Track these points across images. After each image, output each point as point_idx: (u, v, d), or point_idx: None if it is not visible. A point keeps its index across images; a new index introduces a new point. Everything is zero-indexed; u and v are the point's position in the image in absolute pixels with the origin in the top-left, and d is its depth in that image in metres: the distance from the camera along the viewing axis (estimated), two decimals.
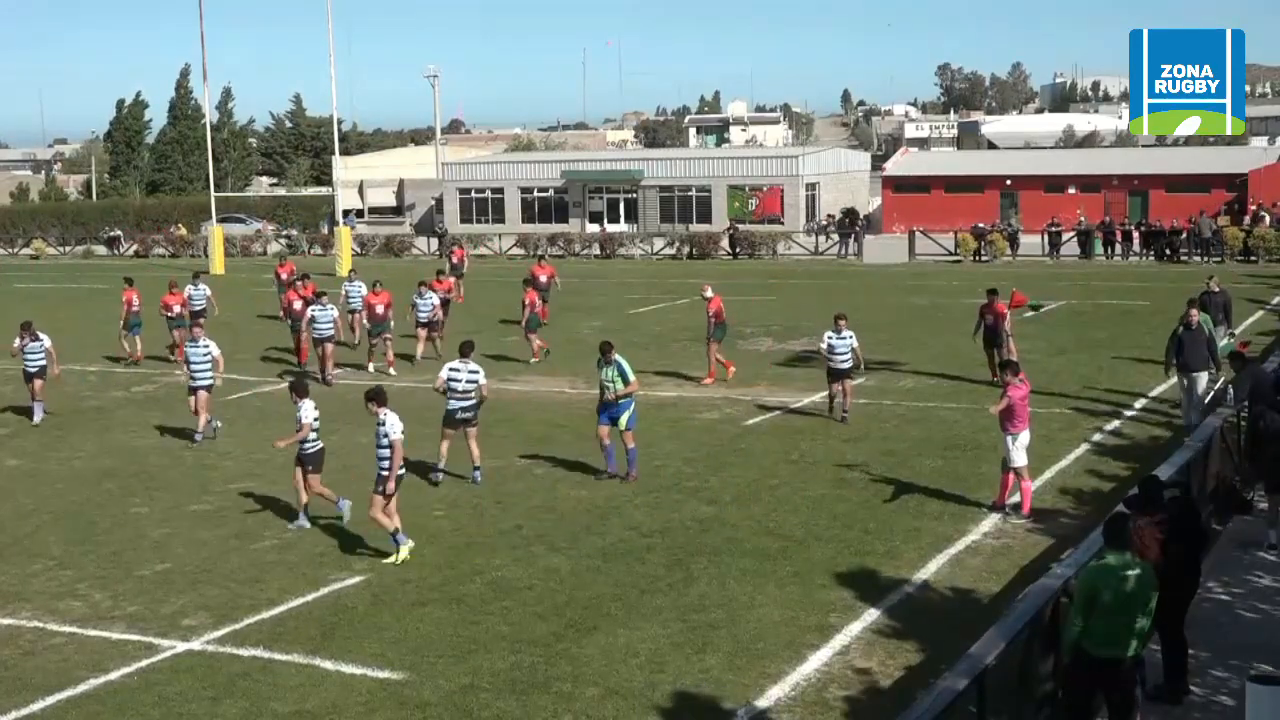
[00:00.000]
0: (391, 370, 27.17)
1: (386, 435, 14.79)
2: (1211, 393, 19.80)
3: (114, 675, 11.83)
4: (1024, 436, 16.10)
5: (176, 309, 29.64)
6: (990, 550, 14.86)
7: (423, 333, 28.85)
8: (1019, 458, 16.05)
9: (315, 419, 16.26)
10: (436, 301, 29.21)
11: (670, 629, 12.56)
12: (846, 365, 21.45)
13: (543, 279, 33.66)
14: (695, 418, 22.34)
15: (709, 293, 26.28)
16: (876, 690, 11.15)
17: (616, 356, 18.23)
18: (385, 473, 14.80)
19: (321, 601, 13.60)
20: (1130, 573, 9.14)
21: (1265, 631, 12.03)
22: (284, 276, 35.05)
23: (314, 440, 16.32)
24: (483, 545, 15.41)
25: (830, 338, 21.54)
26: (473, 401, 18.04)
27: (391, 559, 14.72)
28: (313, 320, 26.67)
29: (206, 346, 21.41)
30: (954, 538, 15.25)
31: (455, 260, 42.25)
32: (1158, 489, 11.34)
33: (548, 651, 12.07)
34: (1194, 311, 20.08)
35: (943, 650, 11.38)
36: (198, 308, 31.18)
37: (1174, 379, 20.76)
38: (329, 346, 26.68)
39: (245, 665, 11.98)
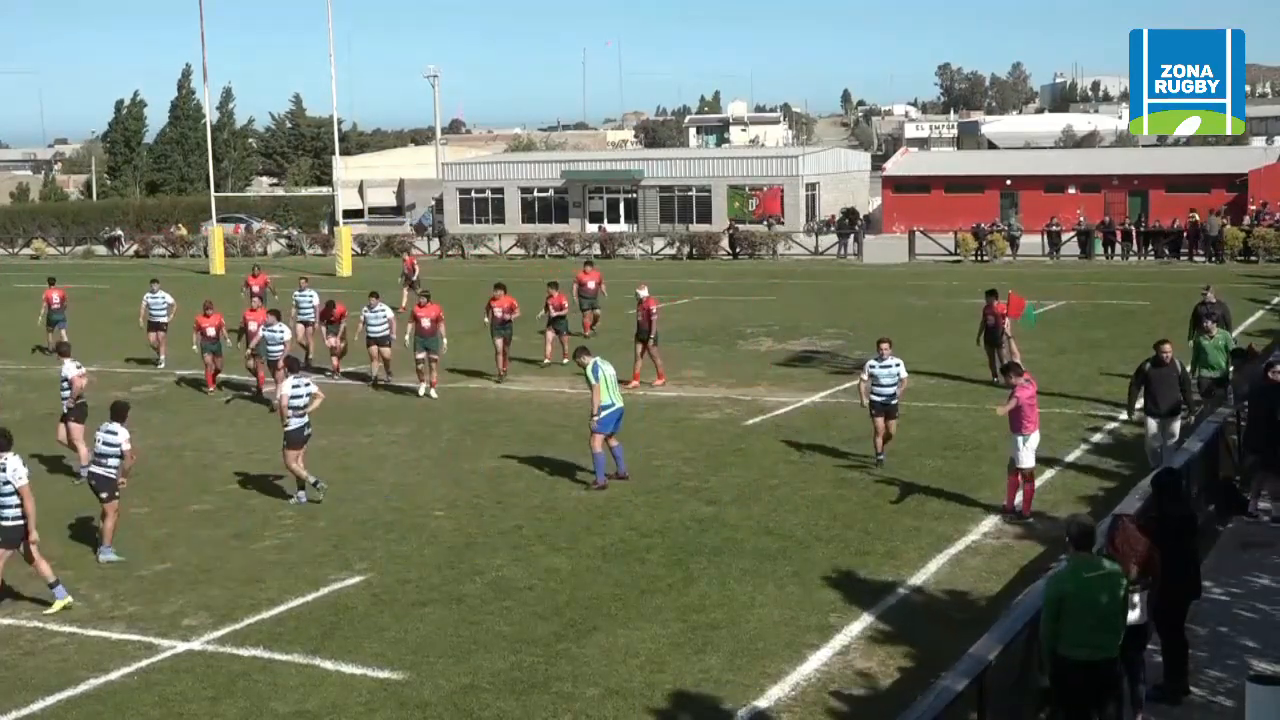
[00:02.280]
0: (433, 393, 24.51)
1: (8, 482, 13.47)
2: (1176, 436, 17.06)
3: (114, 675, 11.84)
4: (1034, 438, 15.99)
5: (211, 331, 25.89)
6: (990, 550, 14.86)
7: (374, 350, 25.96)
8: (1027, 459, 15.95)
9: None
10: (390, 315, 26.15)
11: (670, 629, 12.56)
12: (892, 400, 18.46)
13: (590, 285, 31.11)
14: (695, 418, 22.34)
15: (644, 292, 25.82)
16: (876, 690, 11.16)
17: (585, 359, 18.12)
18: (20, 522, 13.42)
19: (321, 601, 13.60)
20: (1092, 574, 9.18)
21: (1265, 631, 12.03)
22: (256, 289, 31.51)
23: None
24: (483, 545, 15.41)
25: (873, 366, 18.55)
26: (307, 419, 17.49)
27: (52, 609, 13.55)
28: (263, 341, 24.28)
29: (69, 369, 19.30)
30: (954, 538, 15.25)
31: (406, 269, 39.41)
32: (1173, 483, 11.34)
33: (548, 651, 12.07)
34: (1167, 346, 17.26)
35: (943, 651, 11.37)
36: (158, 319, 29.10)
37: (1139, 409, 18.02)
38: (280, 372, 23.11)
39: (245, 665, 11.98)
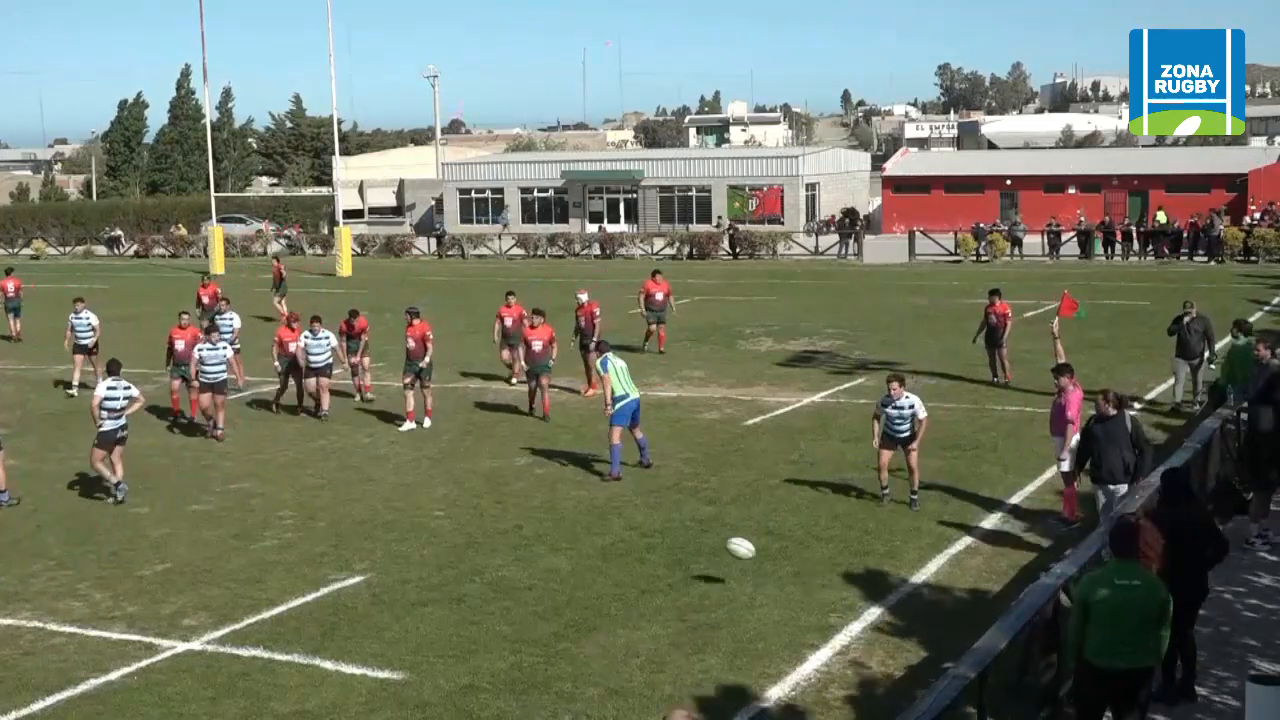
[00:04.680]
0: (427, 422, 22.01)
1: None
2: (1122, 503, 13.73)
3: (114, 675, 11.83)
4: (1075, 440, 15.74)
5: (292, 347, 23.19)
6: (990, 550, 14.85)
7: (311, 383, 23.11)
8: (1069, 462, 15.72)
9: None
10: (334, 343, 23.19)
11: (670, 629, 12.56)
12: (904, 434, 16.35)
13: (659, 297, 28.78)
14: (695, 418, 22.33)
15: (584, 297, 25.15)
16: (876, 690, 11.15)
17: (596, 355, 18.62)
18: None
19: (321, 601, 13.60)
20: (1126, 582, 8.99)
21: (1265, 631, 12.02)
22: (206, 300, 29.40)
23: None
24: (483, 545, 15.41)
25: (885, 405, 16.31)
26: (124, 420, 17.67)
27: None
28: (200, 362, 21.45)
29: None
30: (954, 538, 15.25)
31: (275, 277, 37.69)
32: (1176, 483, 11.30)
33: (548, 651, 12.07)
34: (1104, 399, 14.39)
35: (943, 650, 11.38)
36: (84, 340, 26.30)
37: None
38: (219, 397, 21.48)
39: (245, 665, 11.97)
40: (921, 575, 14.00)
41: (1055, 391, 16.36)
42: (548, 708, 10.91)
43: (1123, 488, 14.04)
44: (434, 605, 13.37)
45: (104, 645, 12.57)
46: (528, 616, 12.98)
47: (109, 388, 17.67)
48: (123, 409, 17.60)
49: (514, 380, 25.49)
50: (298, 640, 12.50)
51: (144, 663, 12.10)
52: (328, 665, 11.90)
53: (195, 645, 12.51)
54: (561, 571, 14.37)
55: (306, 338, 22.99)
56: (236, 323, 26.20)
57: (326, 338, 23.07)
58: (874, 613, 12.89)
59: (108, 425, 17.51)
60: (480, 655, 12.02)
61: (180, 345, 22.79)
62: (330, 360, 23.15)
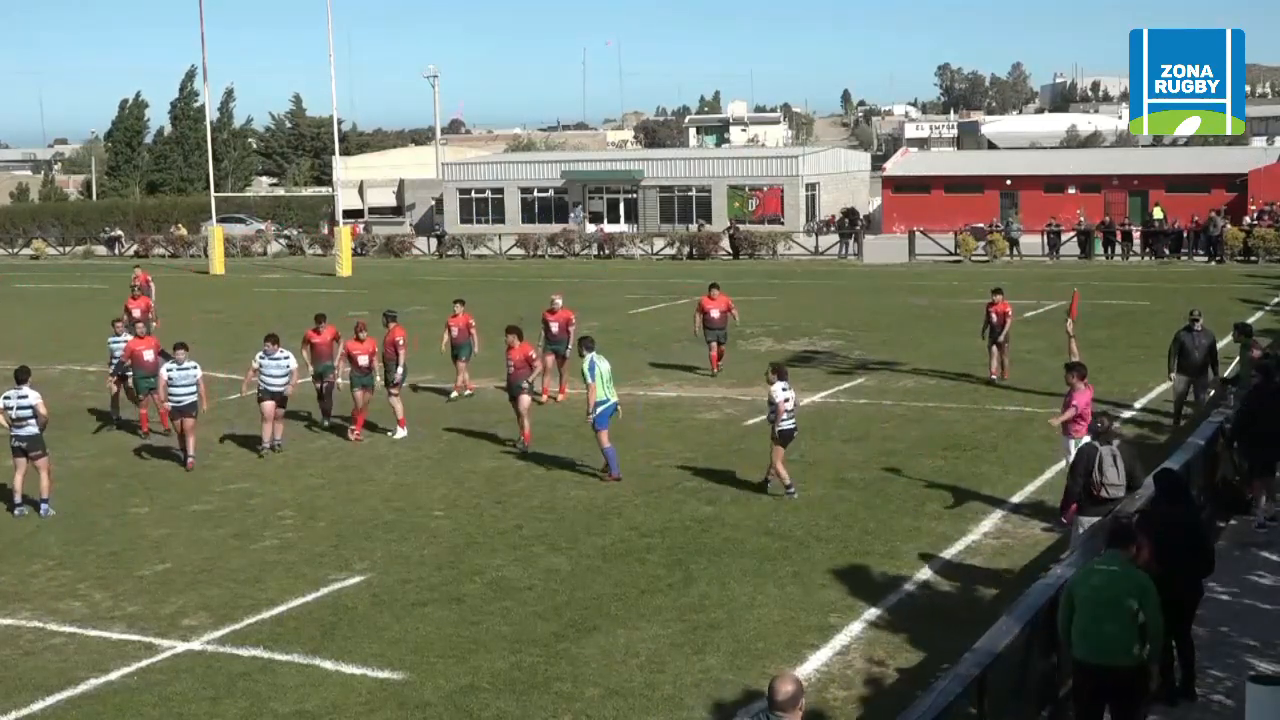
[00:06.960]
0: (403, 431, 21.37)
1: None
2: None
3: (114, 675, 11.83)
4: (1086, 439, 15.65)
5: (363, 360, 21.37)
6: (990, 550, 14.86)
7: (267, 407, 20.36)
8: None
9: None
10: (294, 365, 20.57)
11: (670, 629, 12.56)
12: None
13: (715, 314, 26.33)
14: (695, 418, 22.33)
15: (559, 302, 24.47)
16: (876, 690, 11.15)
17: (583, 353, 18.38)
18: None
19: (321, 601, 13.60)
20: (1104, 567, 9.01)
21: (1265, 631, 12.02)
22: (135, 313, 27.15)
23: None
24: (483, 545, 15.41)
25: (783, 390, 17.00)
26: (29, 430, 16.98)
27: None
28: (169, 384, 19.52)
29: None
30: (954, 538, 15.24)
31: (141, 284, 34.36)
32: (1172, 483, 11.27)
33: (548, 651, 12.07)
34: (1099, 423, 13.46)
35: (943, 650, 11.37)
36: None
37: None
38: (189, 420, 19.51)
39: (245, 665, 11.98)
40: (921, 575, 14.01)
41: (1066, 389, 16.38)
42: (548, 708, 10.92)
43: (1088, 520, 13.02)
44: (434, 605, 13.37)
45: (104, 645, 12.57)
46: (528, 616, 12.98)
47: (4, 395, 17.37)
48: (20, 419, 17.06)
49: (454, 394, 24.61)
50: (298, 640, 12.51)
51: (144, 663, 12.10)
52: (328, 665, 11.90)
53: (195, 645, 12.51)
54: (561, 571, 14.37)
55: (261, 358, 20.47)
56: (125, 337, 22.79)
57: (285, 358, 20.43)
58: (874, 613, 12.89)
59: (13, 433, 17.19)
60: (480, 655, 12.02)
61: (149, 356, 21.43)
62: (287, 385, 20.37)
